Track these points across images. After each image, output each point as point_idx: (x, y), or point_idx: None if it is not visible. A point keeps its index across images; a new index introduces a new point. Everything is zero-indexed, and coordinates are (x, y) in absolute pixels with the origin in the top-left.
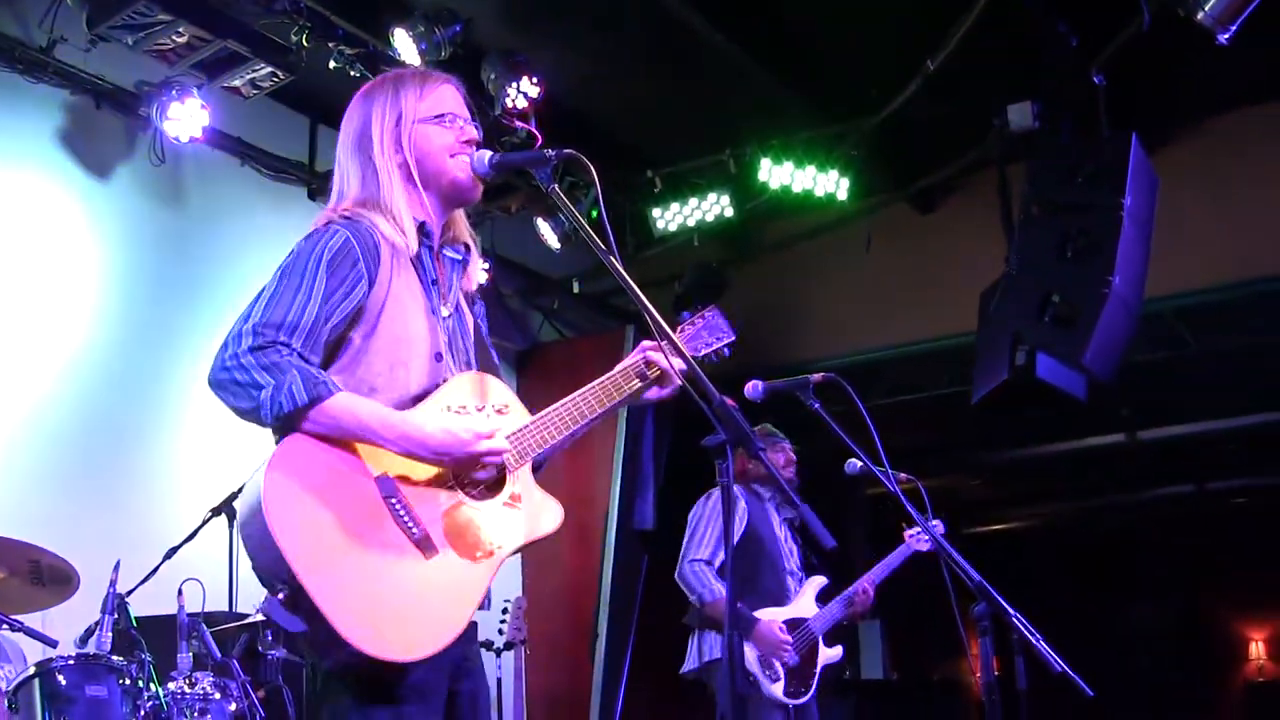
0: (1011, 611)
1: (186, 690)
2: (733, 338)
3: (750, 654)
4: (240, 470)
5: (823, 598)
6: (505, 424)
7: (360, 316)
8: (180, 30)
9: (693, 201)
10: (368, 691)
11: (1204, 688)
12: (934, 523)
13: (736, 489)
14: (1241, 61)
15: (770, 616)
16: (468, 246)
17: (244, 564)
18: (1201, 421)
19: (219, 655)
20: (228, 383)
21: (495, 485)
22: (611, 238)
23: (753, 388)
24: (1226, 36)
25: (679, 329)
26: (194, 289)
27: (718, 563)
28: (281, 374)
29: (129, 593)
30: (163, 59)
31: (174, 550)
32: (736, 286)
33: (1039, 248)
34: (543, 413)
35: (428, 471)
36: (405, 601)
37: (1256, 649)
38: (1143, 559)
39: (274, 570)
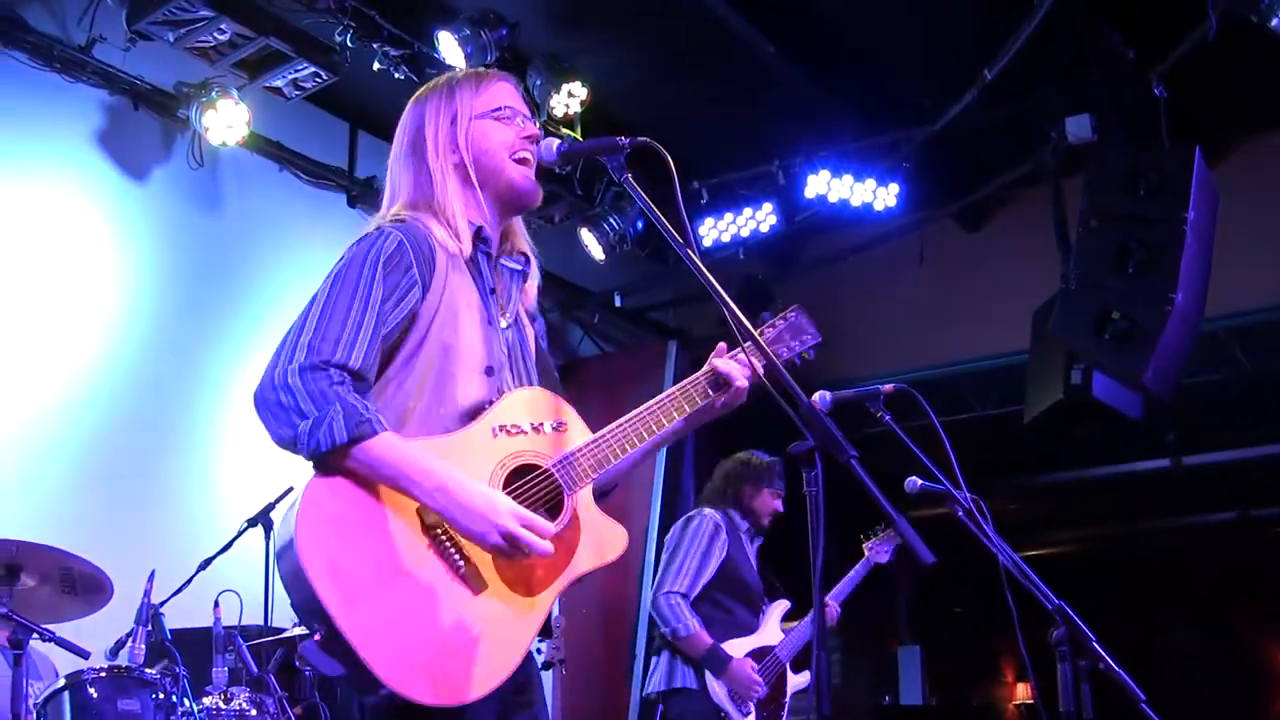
0: (1092, 637)
1: (222, 706)
2: (819, 339)
3: (720, 690)
4: (277, 480)
5: (787, 620)
6: (567, 440)
7: (413, 324)
8: (222, 27)
9: (740, 213)
10: None
11: (1241, 716)
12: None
13: (719, 517)
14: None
15: (738, 650)
16: (527, 257)
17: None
18: (1246, 447)
19: (255, 670)
20: (272, 404)
21: (552, 509)
22: (690, 230)
23: (820, 398)
24: None
25: (760, 330)
26: (230, 295)
27: (694, 595)
28: (326, 405)
29: (162, 604)
30: (204, 57)
31: (208, 561)
32: (781, 300)
33: (1098, 262)
34: (602, 431)
35: None
36: (450, 642)
37: None
38: (1182, 586)
39: (310, 611)
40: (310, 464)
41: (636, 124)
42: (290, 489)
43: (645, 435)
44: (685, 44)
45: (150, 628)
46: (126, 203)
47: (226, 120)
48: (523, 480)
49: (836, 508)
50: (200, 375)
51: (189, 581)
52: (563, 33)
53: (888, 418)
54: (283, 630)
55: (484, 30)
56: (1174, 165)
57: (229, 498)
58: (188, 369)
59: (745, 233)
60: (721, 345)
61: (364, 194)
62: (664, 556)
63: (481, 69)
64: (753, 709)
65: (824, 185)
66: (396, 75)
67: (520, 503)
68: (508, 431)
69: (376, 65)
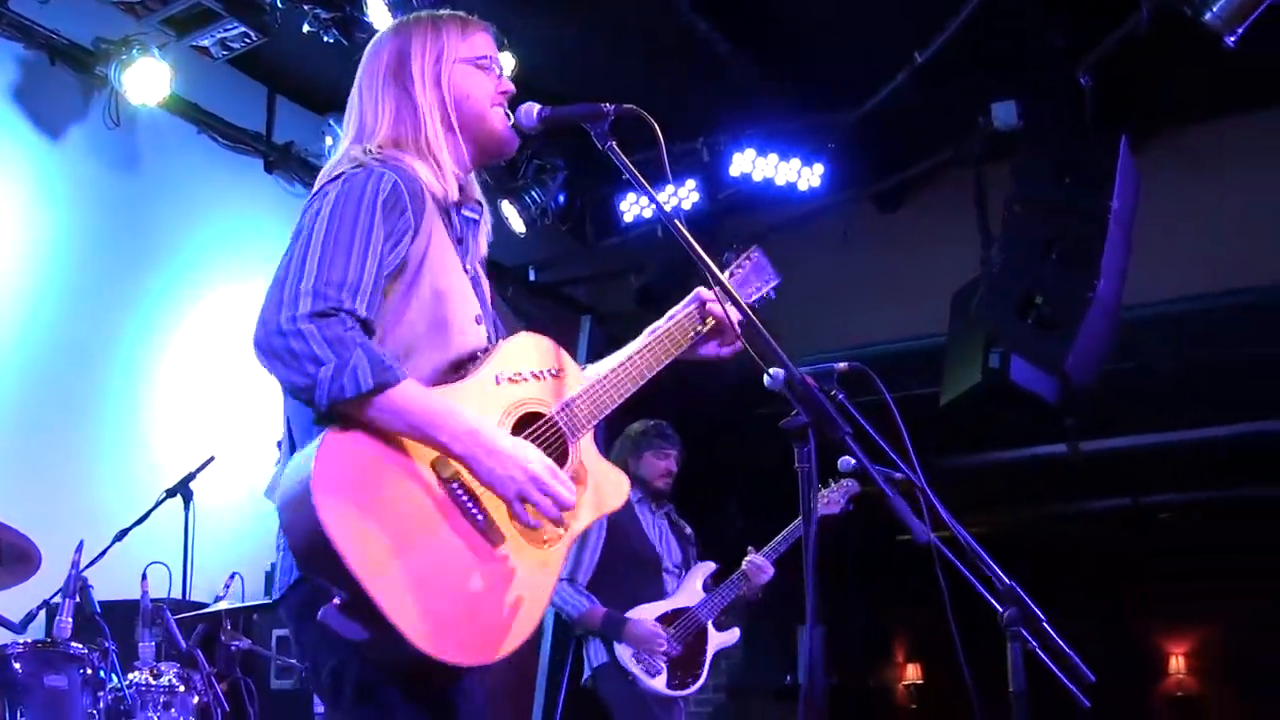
0: (1043, 617)
1: (151, 681)
2: (778, 280)
3: (625, 652)
4: (200, 446)
5: (715, 580)
6: (566, 387)
7: (404, 269)
8: None
9: (661, 189)
10: (415, 698)
11: (1126, 701)
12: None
13: None
14: (1226, 69)
15: (642, 613)
16: (481, 205)
17: (201, 549)
18: (1141, 434)
19: (184, 645)
20: (282, 351)
21: (559, 459)
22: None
23: (775, 375)
24: (1234, 39)
25: (728, 273)
26: (146, 258)
27: (581, 579)
28: (346, 351)
29: (80, 574)
30: (130, 12)
31: (124, 532)
32: (700, 277)
33: (1022, 248)
34: (599, 377)
35: None
36: (477, 599)
37: (1176, 663)
38: (1076, 571)
39: (330, 574)
40: (315, 415)
41: (562, 96)
42: (212, 458)
43: (639, 378)
44: (616, 17)
45: (79, 599)
46: (41, 161)
47: (147, 79)
48: (529, 429)
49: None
50: (114, 337)
51: (103, 553)
52: (493, 2)
53: (842, 396)
54: (204, 605)
55: None
56: (1100, 155)
57: (150, 466)
58: (101, 331)
59: (668, 208)
60: (701, 290)
61: (281, 160)
62: None
63: (463, 14)
64: (664, 667)
65: (749, 164)
66: (325, 39)
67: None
68: (510, 379)
69: (306, 28)
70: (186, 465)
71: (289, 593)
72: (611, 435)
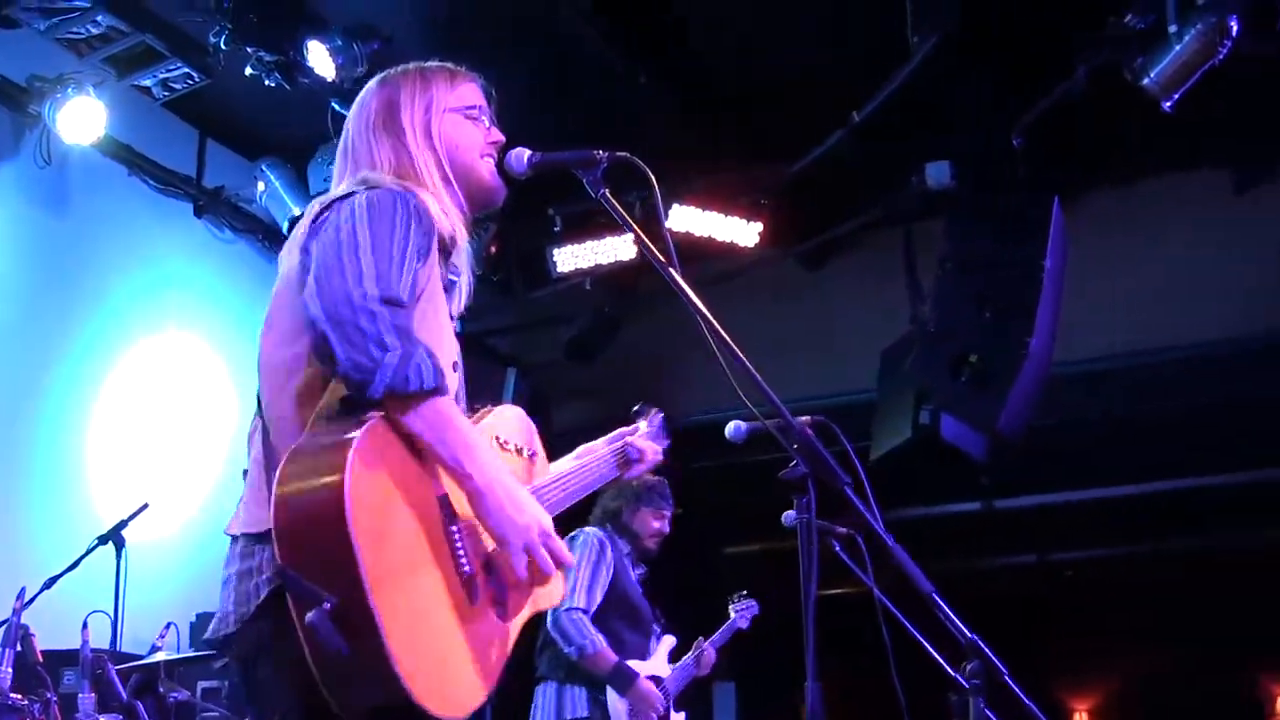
0: (1004, 670)
1: None
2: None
3: (621, 708)
4: (134, 493)
5: (672, 658)
6: (535, 472)
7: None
8: (98, 19)
9: (594, 243)
10: None
11: None
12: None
13: (602, 535)
14: (1129, 136)
15: (640, 671)
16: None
17: (134, 597)
18: (1050, 493)
19: (125, 696)
20: (349, 325)
21: None
22: (671, 248)
23: (735, 428)
24: (1170, 104)
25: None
26: (76, 301)
27: (593, 612)
28: (412, 344)
29: (2, 622)
30: (73, 49)
31: (54, 579)
32: (628, 332)
33: (955, 306)
34: (562, 474)
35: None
36: (459, 646)
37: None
38: (987, 626)
39: (333, 571)
40: (337, 405)
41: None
42: (145, 505)
43: (584, 489)
44: (556, 70)
45: (20, 648)
46: None
47: (81, 118)
48: None
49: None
50: (49, 381)
51: (31, 600)
52: (434, 51)
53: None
54: (137, 655)
55: (356, 43)
56: (1034, 214)
57: (84, 512)
58: (36, 374)
59: (604, 261)
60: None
61: (210, 204)
62: None
63: (451, 65)
64: None
65: (684, 219)
66: (267, 82)
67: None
68: (503, 446)
69: (249, 70)
70: (120, 512)
71: (243, 628)
72: None
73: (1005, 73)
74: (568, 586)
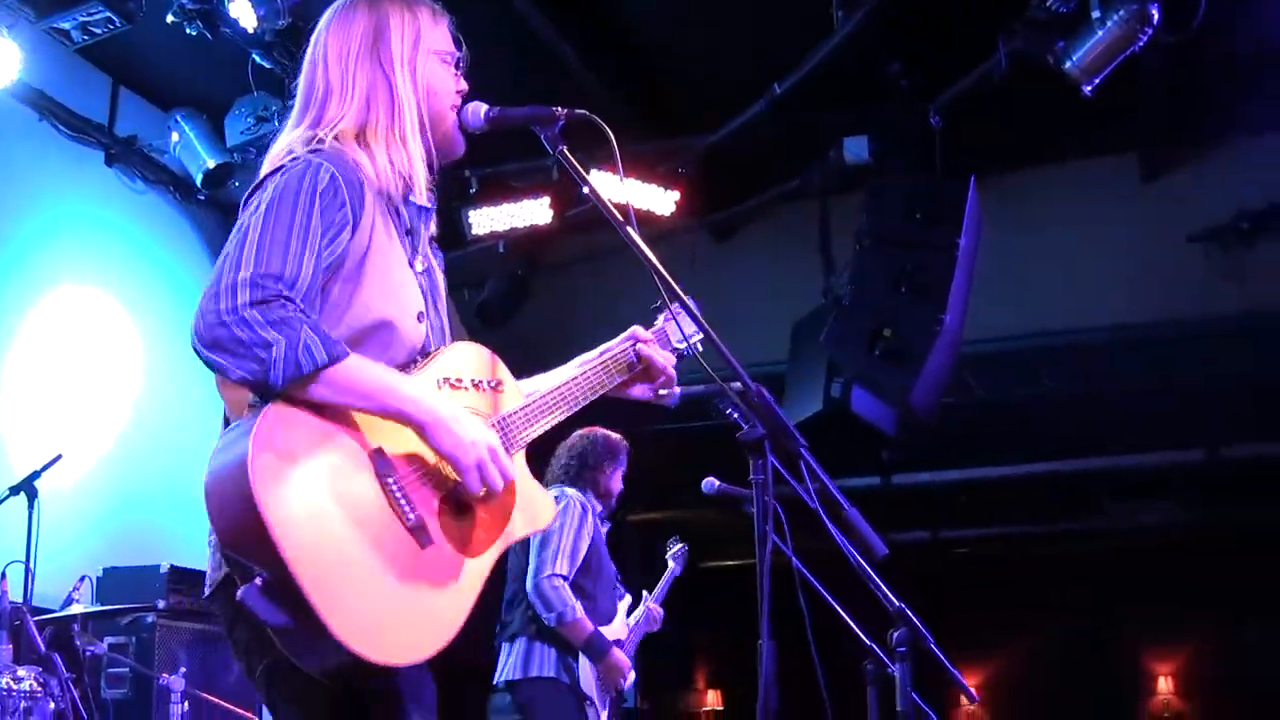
0: (929, 638)
1: (12, 686)
2: (701, 333)
3: (589, 675)
4: (44, 442)
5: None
6: (502, 402)
7: (341, 266)
8: None
9: (510, 205)
10: (351, 695)
11: None
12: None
13: (584, 498)
14: (1044, 119)
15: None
16: (433, 194)
17: (45, 550)
18: (944, 470)
19: (44, 649)
20: (227, 341)
21: None
22: (632, 213)
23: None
24: (1091, 88)
25: (663, 316)
26: None
27: (573, 578)
28: (293, 330)
29: None
30: None
31: None
32: (540, 296)
33: (871, 281)
34: (535, 398)
35: (426, 451)
36: (399, 596)
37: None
38: (871, 602)
39: (254, 554)
40: (252, 396)
41: None
42: (59, 456)
43: (573, 405)
44: (479, 29)
45: None
46: None
47: None
48: None
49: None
50: None
51: None
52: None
53: (737, 415)
54: (49, 610)
55: None
56: (951, 194)
57: None
58: None
59: (519, 224)
60: (637, 329)
61: (123, 153)
62: (535, 540)
63: (432, 3)
64: (608, 704)
65: (602, 184)
66: (188, 30)
67: (430, 469)
68: (451, 384)
69: (170, 18)
70: (33, 463)
71: (220, 589)
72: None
73: (927, 51)
74: (549, 551)
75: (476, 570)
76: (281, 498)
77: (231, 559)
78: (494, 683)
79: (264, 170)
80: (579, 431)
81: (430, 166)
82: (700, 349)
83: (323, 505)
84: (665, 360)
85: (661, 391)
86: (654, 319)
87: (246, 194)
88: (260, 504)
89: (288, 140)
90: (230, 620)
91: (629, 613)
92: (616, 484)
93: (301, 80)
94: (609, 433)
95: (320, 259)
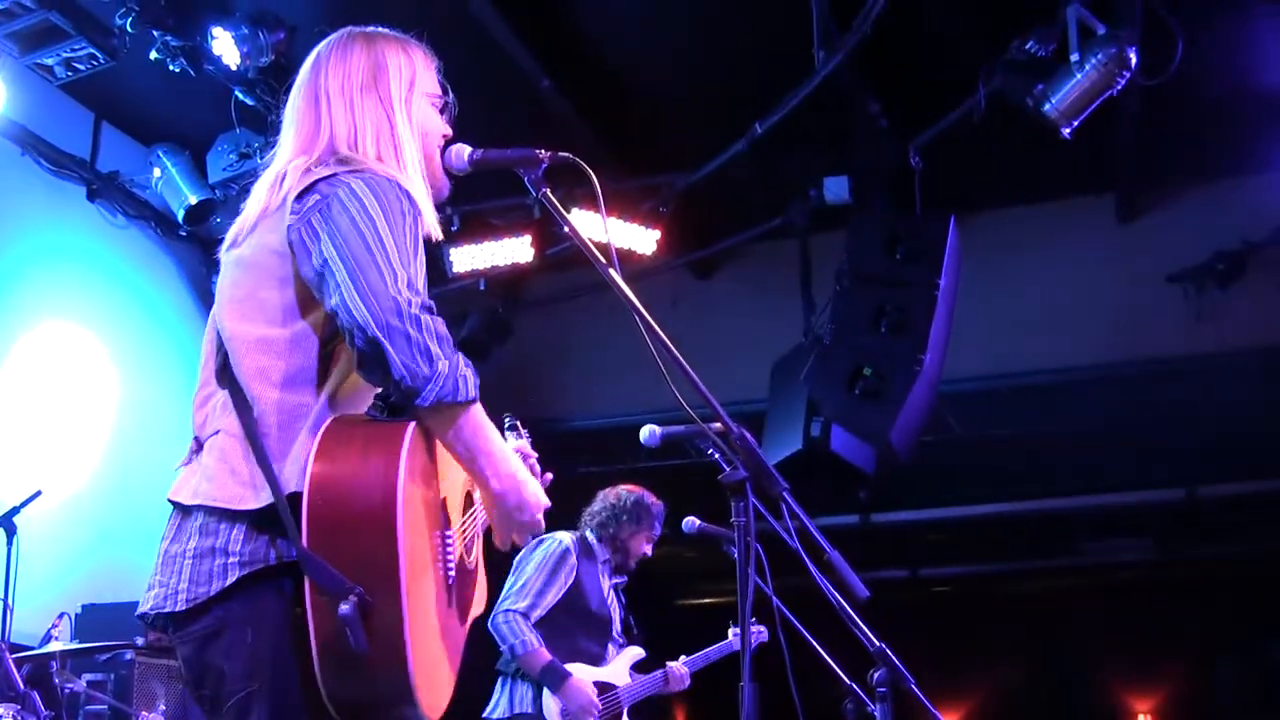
0: (910, 679)
1: None
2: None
3: (554, 707)
4: (22, 479)
5: (637, 670)
6: None
7: None
8: None
9: (491, 244)
10: None
11: None
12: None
13: (572, 542)
14: (1023, 159)
15: (582, 674)
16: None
17: (24, 587)
18: (923, 509)
19: (22, 686)
20: (399, 332)
21: (468, 546)
22: (614, 252)
23: (650, 434)
24: (1069, 130)
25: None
26: None
27: (534, 616)
28: (453, 354)
29: None
30: None
31: None
32: (520, 334)
33: (851, 320)
34: None
35: (457, 510)
36: (442, 650)
37: None
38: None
39: (365, 570)
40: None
41: None
42: (39, 492)
43: None
44: (462, 67)
45: None
46: None
47: None
48: (472, 507)
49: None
50: None
51: None
52: None
53: (718, 456)
54: (26, 647)
55: (262, 31)
56: (931, 233)
57: None
58: None
59: (500, 262)
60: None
61: (105, 188)
62: (510, 576)
63: (423, 45)
64: None
65: (583, 224)
66: (172, 67)
67: (464, 530)
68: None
69: (154, 55)
70: (12, 499)
71: (203, 608)
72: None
73: (907, 92)
74: (511, 587)
75: (463, 637)
76: (409, 520)
77: (316, 571)
78: (483, 717)
79: (292, 183)
80: (624, 486)
81: (435, 205)
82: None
83: (420, 540)
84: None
85: None
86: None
87: (297, 193)
88: (399, 516)
89: (305, 161)
90: (203, 642)
91: (633, 666)
92: (638, 545)
93: (299, 112)
94: (644, 496)
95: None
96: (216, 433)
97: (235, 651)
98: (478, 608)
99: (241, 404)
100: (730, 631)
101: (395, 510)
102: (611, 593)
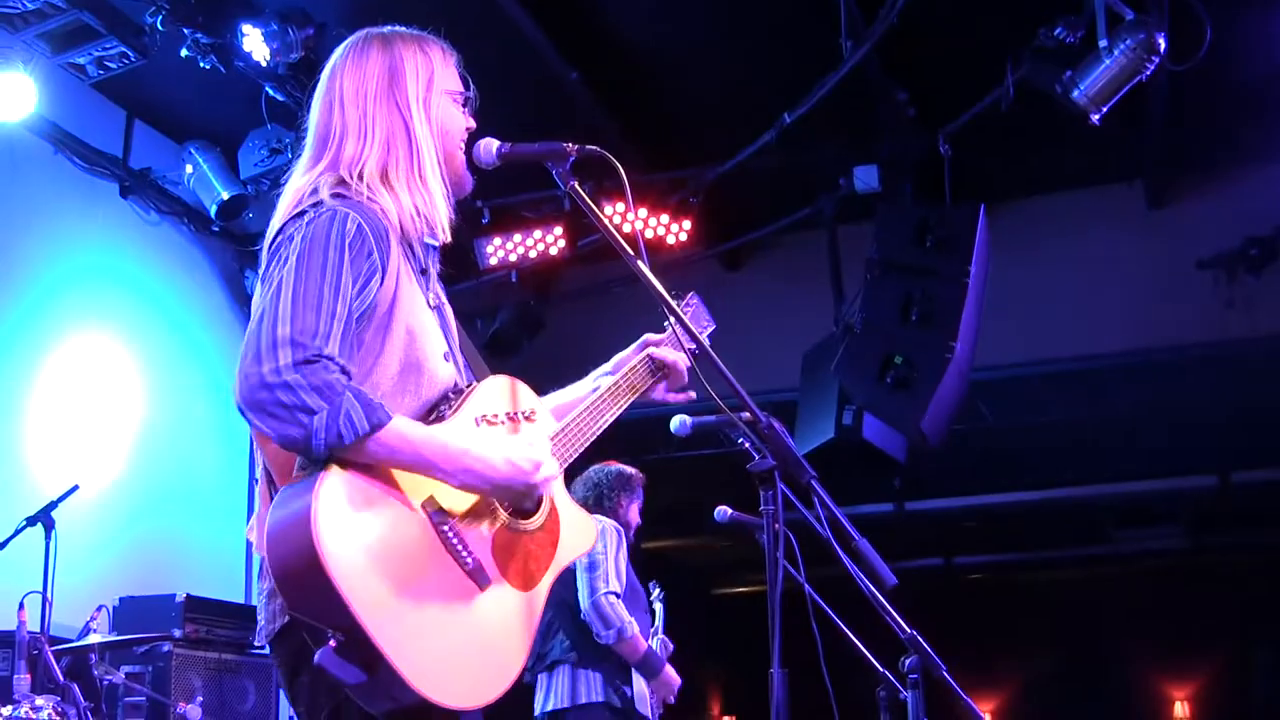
0: (942, 665)
1: (31, 716)
2: (714, 326)
3: (644, 692)
4: (61, 474)
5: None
6: (538, 432)
7: (372, 314)
8: None
9: (521, 236)
10: None
11: None
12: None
13: (615, 524)
14: (1052, 147)
15: None
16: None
17: (63, 580)
18: (957, 497)
19: (62, 679)
20: (270, 404)
21: (535, 503)
22: (642, 245)
23: (680, 424)
24: (1098, 117)
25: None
26: (2, 279)
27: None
28: (336, 395)
29: None
30: (8, 24)
31: None
32: (552, 326)
33: (882, 309)
34: (565, 423)
35: (469, 494)
36: (468, 640)
37: None
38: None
39: (326, 617)
40: (302, 461)
41: None
42: (76, 486)
43: (599, 424)
44: (490, 61)
45: None
46: None
47: (11, 95)
48: None
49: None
50: None
51: None
52: None
53: (748, 445)
54: (66, 640)
55: (291, 27)
56: (960, 222)
57: (16, 495)
58: None
59: (532, 254)
60: (648, 336)
61: (137, 185)
62: (580, 563)
63: (442, 42)
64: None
65: (615, 215)
66: (202, 64)
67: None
68: (489, 421)
69: (185, 52)
70: (49, 494)
71: (279, 639)
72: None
73: (935, 80)
74: (600, 571)
75: (533, 602)
76: (348, 558)
77: (301, 624)
78: (536, 716)
79: (283, 209)
80: (594, 466)
81: (452, 203)
82: (709, 343)
83: (387, 560)
84: (680, 360)
85: (671, 394)
86: (662, 326)
87: (271, 240)
88: (328, 566)
89: (308, 180)
90: (291, 668)
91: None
92: (633, 516)
93: (316, 119)
94: (623, 466)
95: (352, 310)
96: (258, 480)
97: (300, 691)
98: (566, 555)
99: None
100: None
101: (320, 560)
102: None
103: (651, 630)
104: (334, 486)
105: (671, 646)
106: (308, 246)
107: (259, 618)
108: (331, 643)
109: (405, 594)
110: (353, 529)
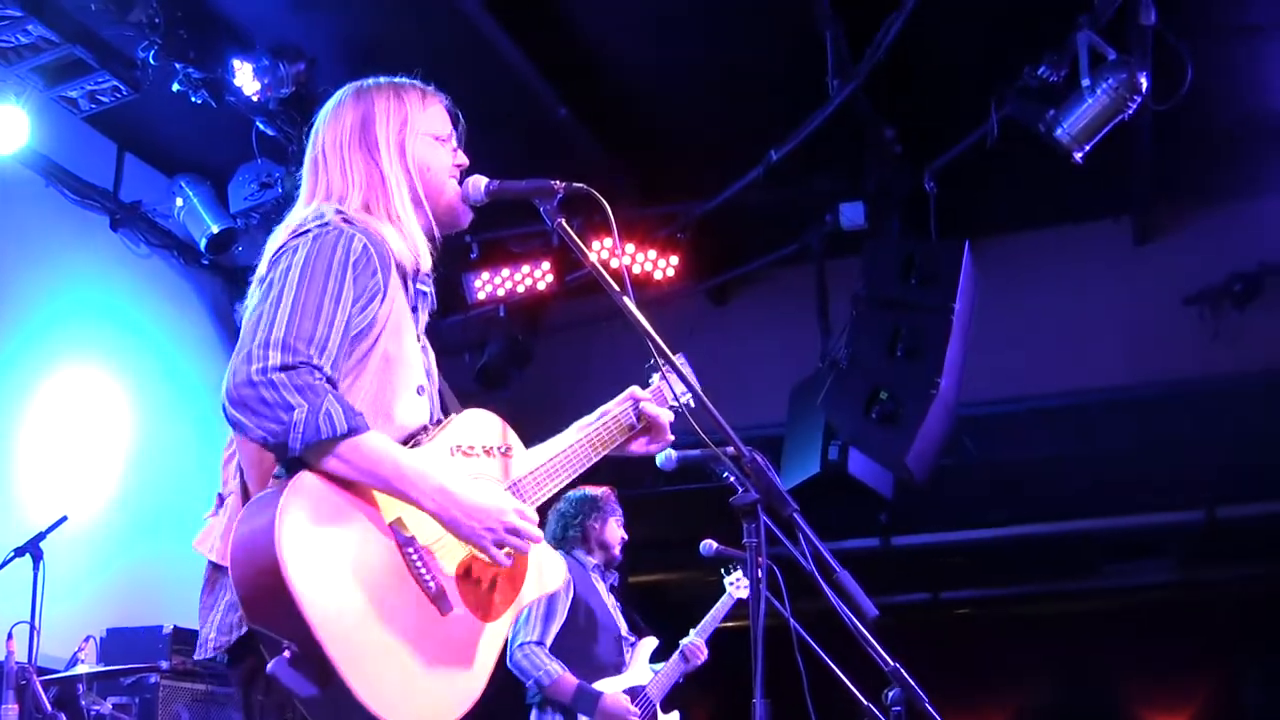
0: (924, 698)
1: None
2: (698, 388)
3: None
4: (50, 505)
5: (656, 659)
6: (512, 467)
7: (367, 334)
8: (29, 28)
9: (510, 270)
10: None
11: None
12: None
13: (562, 555)
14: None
15: (611, 688)
16: (430, 277)
17: (51, 611)
18: (944, 531)
19: (50, 709)
20: (253, 400)
21: None
22: (628, 281)
23: (666, 458)
24: (1081, 155)
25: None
26: None
27: (548, 642)
28: (317, 397)
29: None
30: (0, 57)
31: None
32: (540, 360)
33: (868, 344)
34: (543, 462)
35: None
36: (425, 663)
37: None
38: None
39: (282, 627)
40: (279, 466)
41: None
42: (64, 517)
43: (579, 468)
44: (478, 98)
45: None
46: None
47: (4, 127)
48: None
49: None
50: None
51: None
52: (357, 75)
53: (733, 479)
54: (53, 670)
55: (282, 63)
56: (945, 257)
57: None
58: None
59: (521, 289)
60: (635, 389)
61: (128, 218)
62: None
63: (422, 84)
64: None
65: (600, 248)
66: (194, 99)
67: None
68: (464, 452)
69: (176, 86)
70: (38, 525)
71: (233, 654)
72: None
73: (921, 117)
74: (521, 619)
75: (495, 634)
76: (308, 569)
77: (258, 631)
78: None
79: (282, 235)
80: (559, 500)
81: (431, 238)
82: (692, 405)
83: (347, 576)
84: (665, 417)
85: (653, 446)
86: (649, 378)
87: (273, 252)
88: (287, 575)
89: (311, 209)
90: (246, 682)
91: (653, 659)
92: (612, 533)
93: (305, 172)
94: (589, 488)
95: (350, 326)
96: (233, 493)
97: (253, 707)
98: (535, 590)
99: (239, 463)
100: (726, 582)
101: (280, 571)
102: (610, 595)
103: (635, 651)
104: (304, 497)
105: (697, 650)
106: (313, 258)
107: (207, 631)
108: (286, 653)
109: (363, 611)
110: (317, 540)
